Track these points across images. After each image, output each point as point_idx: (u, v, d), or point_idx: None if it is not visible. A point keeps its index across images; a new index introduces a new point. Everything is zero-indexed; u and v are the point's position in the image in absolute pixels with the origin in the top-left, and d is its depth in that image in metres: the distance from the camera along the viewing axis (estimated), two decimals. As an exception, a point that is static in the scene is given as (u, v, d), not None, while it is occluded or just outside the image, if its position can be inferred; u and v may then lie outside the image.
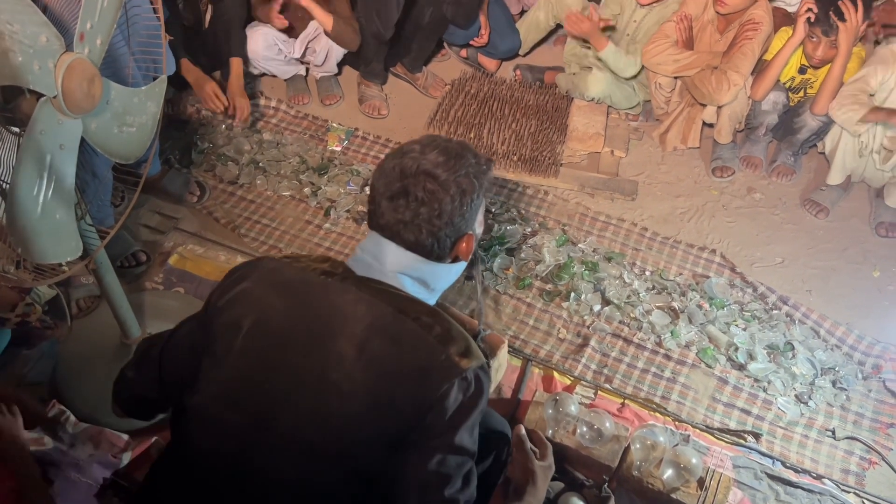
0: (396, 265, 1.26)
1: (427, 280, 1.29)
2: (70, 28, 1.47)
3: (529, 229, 2.66)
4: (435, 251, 1.27)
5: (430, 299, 1.31)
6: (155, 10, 1.78)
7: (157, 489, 1.27)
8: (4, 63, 1.23)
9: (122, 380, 1.37)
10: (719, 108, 2.88)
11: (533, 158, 2.92)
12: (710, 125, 3.00)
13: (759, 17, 2.75)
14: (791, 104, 2.88)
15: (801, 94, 2.86)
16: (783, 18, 2.92)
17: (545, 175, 2.87)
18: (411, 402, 1.13)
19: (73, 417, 1.84)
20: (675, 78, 2.99)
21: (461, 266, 1.35)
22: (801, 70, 2.81)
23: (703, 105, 2.94)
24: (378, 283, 1.24)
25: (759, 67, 2.82)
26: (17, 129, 1.41)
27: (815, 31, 2.65)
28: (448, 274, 1.33)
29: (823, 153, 2.86)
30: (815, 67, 2.77)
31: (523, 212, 2.74)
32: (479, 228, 1.37)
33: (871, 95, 2.64)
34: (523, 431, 1.56)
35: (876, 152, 2.67)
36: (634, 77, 3.11)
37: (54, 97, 1.35)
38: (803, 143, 2.89)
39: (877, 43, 3.01)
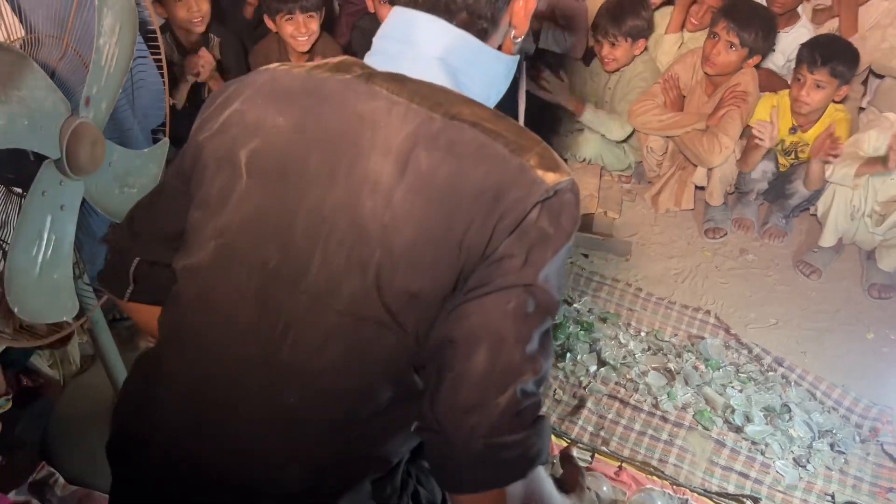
0: (437, 47, 0.92)
1: (474, 72, 0.95)
2: (76, 92, 1.51)
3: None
4: (486, 13, 0.93)
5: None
6: (162, 75, 1.83)
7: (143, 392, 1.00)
8: (11, 127, 1.26)
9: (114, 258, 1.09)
10: (710, 170, 2.93)
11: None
12: (702, 188, 3.05)
13: (746, 84, 2.83)
14: (782, 169, 2.94)
15: (793, 157, 2.92)
16: (768, 78, 3.00)
17: (540, 235, 2.90)
18: (479, 230, 0.83)
19: (62, 480, 1.81)
20: (667, 139, 3.05)
21: (512, 62, 1.00)
22: (793, 130, 2.87)
23: (695, 166, 3.00)
24: (414, 80, 0.91)
25: (746, 135, 2.87)
26: (19, 190, 1.43)
27: (802, 70, 2.71)
28: (497, 64, 0.97)
29: (815, 215, 2.91)
30: (804, 128, 2.83)
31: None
32: None
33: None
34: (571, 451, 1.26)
35: (868, 216, 2.71)
36: (625, 140, 3.18)
37: (58, 160, 1.37)
38: (795, 206, 2.94)
39: (861, 109, 3.10)
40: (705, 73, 2.93)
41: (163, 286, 1.02)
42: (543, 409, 1.03)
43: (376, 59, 0.95)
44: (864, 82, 3.15)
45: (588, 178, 3.16)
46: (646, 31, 3.01)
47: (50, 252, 1.43)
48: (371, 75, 0.92)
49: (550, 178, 0.84)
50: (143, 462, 0.98)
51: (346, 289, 0.86)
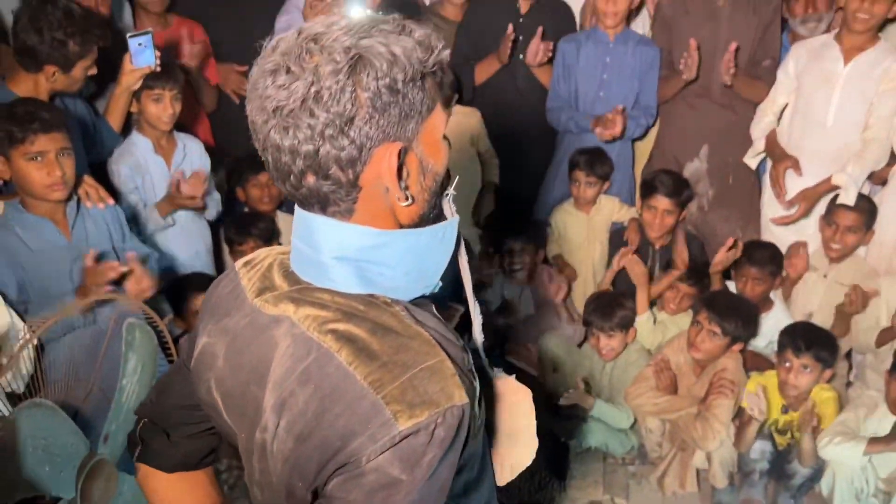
0: (331, 246, 0.91)
1: (378, 258, 0.91)
2: (97, 426, 1.65)
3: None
4: (337, 198, 0.89)
5: (404, 291, 0.94)
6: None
7: None
8: (34, 475, 1.38)
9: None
10: (709, 453, 2.96)
11: (533, 509, 2.93)
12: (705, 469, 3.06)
13: (732, 370, 2.94)
14: (780, 447, 2.97)
15: (789, 436, 2.97)
16: (753, 359, 3.13)
17: (546, 526, 2.86)
18: (320, 477, 0.84)
19: None
20: (663, 420, 3.12)
21: (415, 234, 0.93)
22: (784, 409, 2.95)
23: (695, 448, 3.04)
24: (315, 290, 0.92)
25: (738, 416, 2.95)
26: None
27: (786, 354, 2.82)
28: (395, 241, 0.92)
29: (822, 495, 2.88)
30: (794, 407, 2.90)
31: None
32: (422, 149, 0.92)
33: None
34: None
35: (873, 496, 2.69)
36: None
37: (72, 499, 1.48)
38: (799, 486, 2.92)
39: (849, 384, 3.20)
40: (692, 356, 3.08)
41: (168, 453, 1.12)
42: None
43: (295, 260, 0.97)
44: (848, 357, 3.28)
45: (592, 464, 3.19)
46: (633, 321, 3.21)
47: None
48: (280, 295, 0.94)
49: (406, 419, 0.82)
50: None
51: None
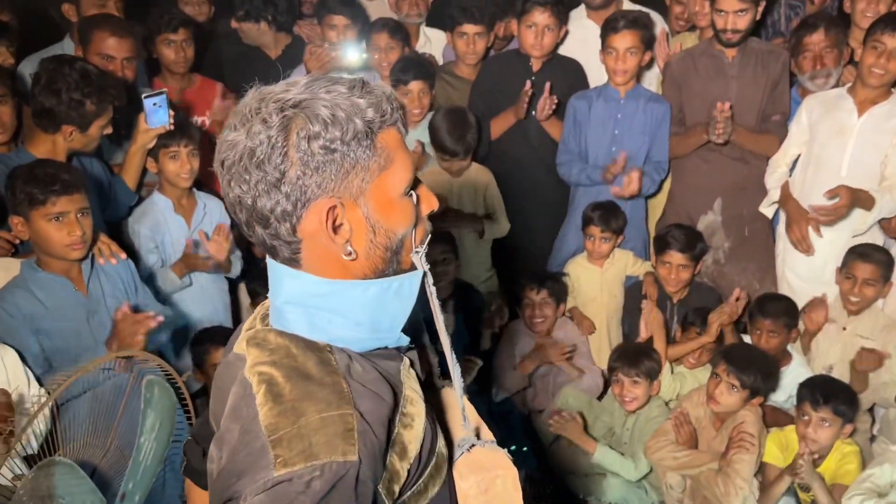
0: (283, 293, 0.97)
1: (326, 305, 0.95)
2: (114, 485, 1.66)
3: None
4: (282, 250, 0.95)
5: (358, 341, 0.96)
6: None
7: None
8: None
9: None
10: (732, 510, 2.91)
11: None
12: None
13: (750, 423, 2.90)
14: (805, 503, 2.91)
15: (812, 493, 2.90)
16: (773, 414, 3.09)
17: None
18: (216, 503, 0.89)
19: None
20: (684, 475, 3.07)
21: (362, 286, 0.95)
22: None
23: (718, 506, 2.98)
24: (269, 331, 0.97)
25: (762, 471, 2.90)
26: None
27: (804, 408, 2.78)
28: (346, 290, 0.95)
29: (849, 554, 2.80)
30: (816, 463, 2.85)
31: None
32: (371, 205, 0.94)
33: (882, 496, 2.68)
34: None
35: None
36: (644, 478, 3.19)
37: (88, 559, 1.47)
38: (825, 543, 2.85)
39: (873, 438, 3.14)
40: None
41: (202, 470, 1.10)
42: None
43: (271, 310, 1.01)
44: (871, 410, 3.23)
45: (612, 523, 3.13)
46: (658, 373, 3.18)
47: None
48: (244, 338, 0.98)
49: (282, 466, 0.83)
50: None
51: None
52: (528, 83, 3.41)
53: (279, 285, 0.96)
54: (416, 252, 0.98)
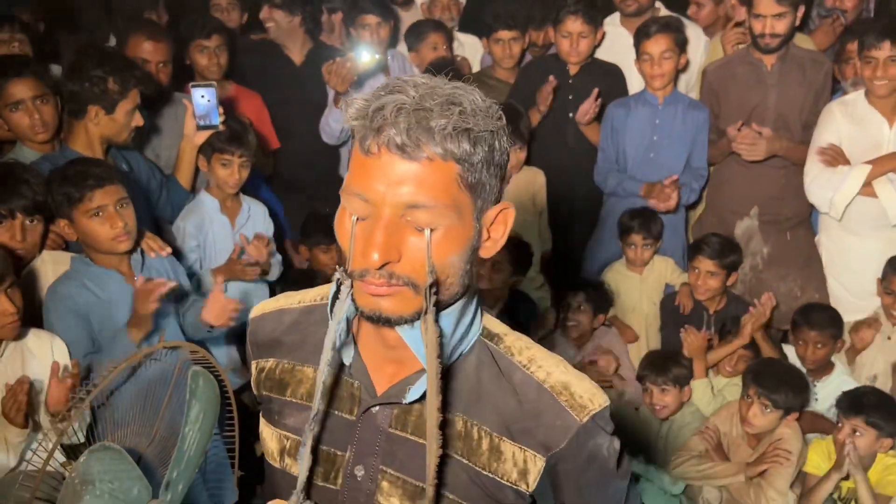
0: None
1: None
2: (157, 473, 1.67)
3: None
4: None
5: None
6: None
7: None
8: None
9: None
10: (771, 523, 2.85)
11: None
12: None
13: (788, 439, 2.82)
14: (844, 518, 2.85)
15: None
16: (814, 420, 3.03)
17: None
18: None
19: None
20: (720, 489, 3.01)
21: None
22: (846, 477, 2.82)
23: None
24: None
25: (802, 480, 2.85)
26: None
27: (843, 417, 2.72)
28: None
29: (892, 570, 2.74)
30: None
31: None
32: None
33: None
34: None
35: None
36: (683, 493, 3.13)
37: (133, 545, 1.49)
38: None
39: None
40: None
41: None
42: None
43: None
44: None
45: (648, 534, 3.09)
46: (689, 379, 3.14)
47: None
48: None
49: None
50: None
51: None
52: (552, 77, 3.44)
53: None
54: (336, 270, 1.02)
